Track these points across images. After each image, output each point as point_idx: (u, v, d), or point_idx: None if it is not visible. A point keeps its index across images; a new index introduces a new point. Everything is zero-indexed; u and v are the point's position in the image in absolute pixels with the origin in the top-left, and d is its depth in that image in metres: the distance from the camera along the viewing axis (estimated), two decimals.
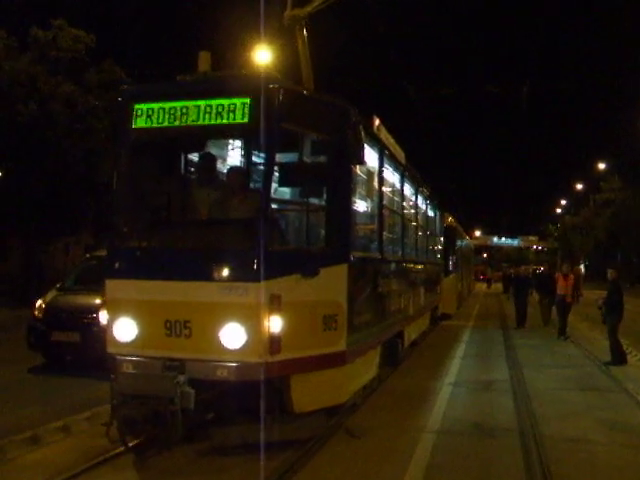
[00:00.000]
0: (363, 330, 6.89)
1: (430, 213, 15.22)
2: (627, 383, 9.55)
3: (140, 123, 5.88)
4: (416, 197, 12.11)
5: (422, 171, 14.12)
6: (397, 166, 9.59)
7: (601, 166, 48.34)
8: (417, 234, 12.31)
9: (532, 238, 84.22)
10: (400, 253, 9.89)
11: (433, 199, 15.49)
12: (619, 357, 11.38)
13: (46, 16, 23.11)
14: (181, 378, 5.26)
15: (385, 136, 8.48)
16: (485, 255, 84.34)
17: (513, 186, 74.70)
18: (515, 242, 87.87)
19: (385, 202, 8.58)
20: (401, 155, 10.12)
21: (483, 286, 48.98)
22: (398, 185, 9.89)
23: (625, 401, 8.55)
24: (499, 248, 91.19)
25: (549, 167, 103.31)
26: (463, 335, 15.96)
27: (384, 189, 8.39)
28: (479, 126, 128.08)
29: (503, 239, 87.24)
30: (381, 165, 8.09)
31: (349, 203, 6.35)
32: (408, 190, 11.19)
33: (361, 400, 7.74)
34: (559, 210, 68.08)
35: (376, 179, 7.93)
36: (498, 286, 44.74)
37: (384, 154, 8.21)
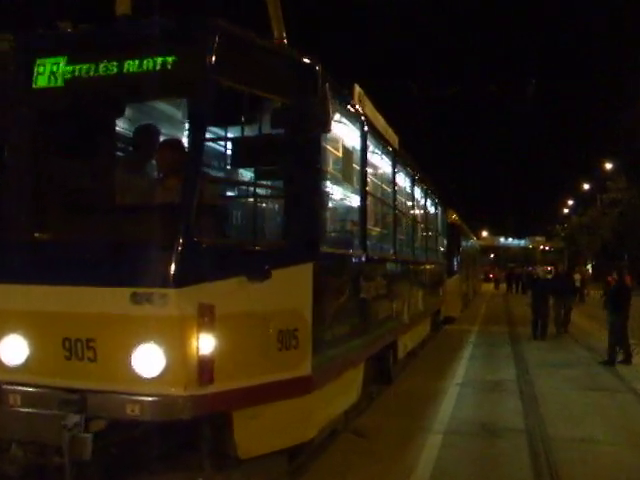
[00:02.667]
0: (338, 346, 5.48)
1: (431, 209, 13.82)
2: (635, 383, 9.38)
3: (40, 82, 4.52)
4: (413, 189, 10.70)
5: (427, 171, 13.10)
6: (387, 149, 8.19)
7: (608, 166, 47.29)
8: (415, 231, 10.89)
9: (539, 238, 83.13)
10: (392, 251, 8.47)
11: (434, 194, 14.07)
12: (627, 357, 11.26)
13: (52, 18, 22.04)
14: (73, 419, 3.85)
15: (371, 111, 7.09)
16: (492, 255, 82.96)
17: (520, 187, 73.55)
18: (522, 242, 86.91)
19: (371, 190, 7.19)
20: (393, 138, 8.73)
21: (490, 287, 48.03)
22: (389, 172, 8.50)
23: (633, 401, 8.39)
24: (506, 248, 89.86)
25: (556, 167, 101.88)
26: (470, 337, 15.33)
27: (369, 174, 6.99)
28: (486, 127, 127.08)
29: (510, 239, 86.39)
30: (364, 144, 6.68)
31: (315, 184, 4.95)
32: (402, 180, 9.80)
33: (343, 426, 6.41)
34: (566, 210, 66.86)
35: (358, 161, 6.54)
36: (505, 286, 44.25)
37: (368, 131, 6.79)
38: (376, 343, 7.19)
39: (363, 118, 6.57)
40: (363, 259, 6.52)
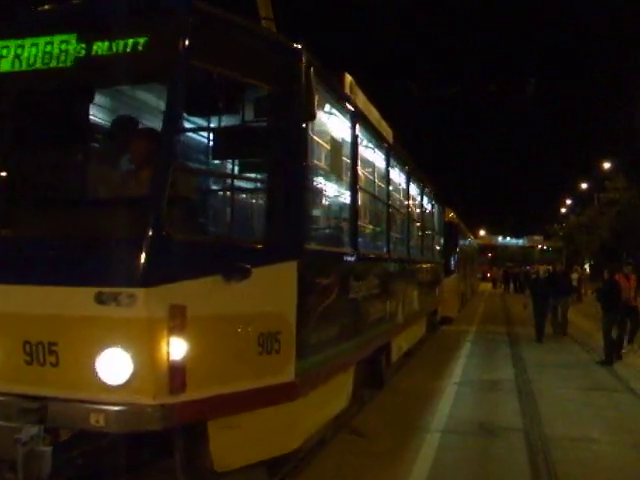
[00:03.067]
0: (325, 350, 5.15)
1: (428, 207, 13.48)
2: (633, 382, 9.34)
3: (2, 66, 4.19)
4: (408, 186, 10.37)
5: (427, 170, 12.86)
6: (380, 143, 7.87)
7: (606, 165, 47.14)
8: (410, 229, 10.55)
9: (537, 238, 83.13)
10: (385, 250, 8.16)
11: (432, 192, 13.73)
12: (611, 357, 11.18)
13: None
14: (30, 431, 3.53)
15: (362, 102, 6.76)
16: (490, 255, 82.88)
17: (519, 186, 73.44)
18: (520, 242, 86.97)
19: (362, 185, 6.87)
20: (387, 131, 8.40)
21: (487, 286, 47.94)
22: (382, 167, 8.17)
23: (631, 401, 8.34)
24: (504, 248, 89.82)
25: (555, 167, 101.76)
26: (467, 337, 15.17)
27: (360, 169, 6.67)
28: (486, 127, 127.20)
29: (508, 239, 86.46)
30: (355, 137, 6.35)
31: (300, 177, 4.61)
32: (397, 176, 9.48)
33: (331, 434, 6.10)
34: (564, 210, 66.68)
35: (348, 154, 6.21)
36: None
37: (359, 123, 6.46)
38: (368, 346, 6.87)
39: (354, 109, 6.24)
40: (353, 257, 6.19)
